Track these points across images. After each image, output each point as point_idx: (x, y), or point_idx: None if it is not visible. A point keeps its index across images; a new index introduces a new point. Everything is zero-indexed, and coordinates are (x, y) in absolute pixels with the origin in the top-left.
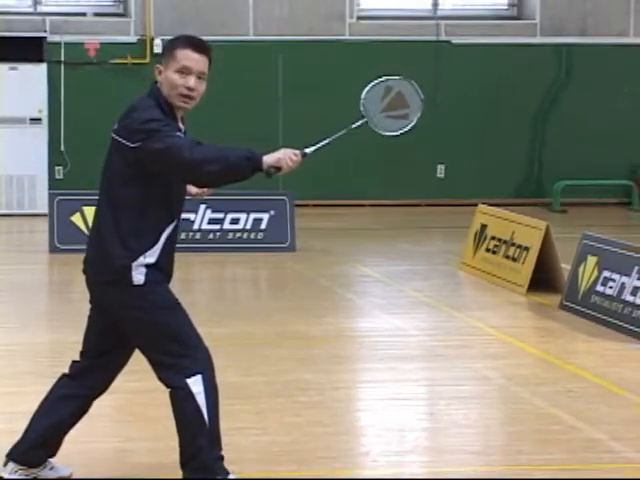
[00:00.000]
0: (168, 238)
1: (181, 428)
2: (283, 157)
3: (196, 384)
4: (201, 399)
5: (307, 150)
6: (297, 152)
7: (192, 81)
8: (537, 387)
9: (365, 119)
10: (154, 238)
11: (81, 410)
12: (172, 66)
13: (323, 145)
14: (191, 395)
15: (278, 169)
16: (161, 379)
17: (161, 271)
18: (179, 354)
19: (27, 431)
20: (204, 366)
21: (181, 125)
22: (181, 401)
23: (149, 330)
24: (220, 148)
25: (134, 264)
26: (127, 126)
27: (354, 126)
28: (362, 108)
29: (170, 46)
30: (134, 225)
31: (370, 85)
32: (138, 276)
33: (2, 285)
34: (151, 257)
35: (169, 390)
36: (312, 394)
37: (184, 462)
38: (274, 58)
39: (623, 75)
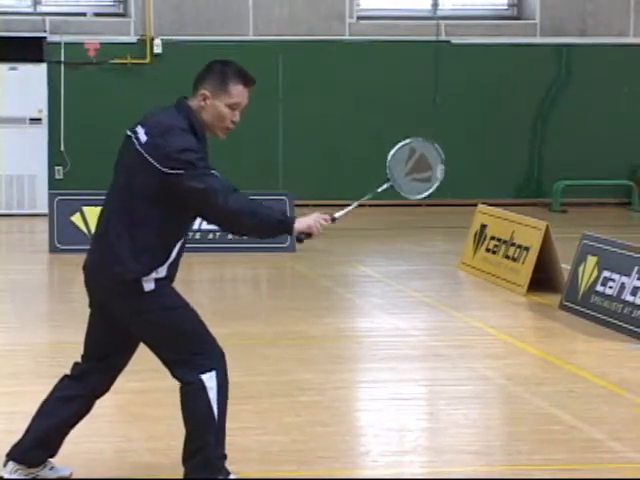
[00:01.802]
0: (177, 253)
1: (190, 422)
2: (314, 224)
3: (210, 380)
4: (213, 395)
5: (336, 215)
6: (327, 217)
7: (238, 115)
8: (537, 387)
9: (390, 182)
10: (167, 255)
11: (83, 411)
12: (224, 99)
13: (351, 209)
14: (204, 390)
15: (309, 235)
16: (176, 376)
17: (169, 279)
18: (193, 351)
19: (28, 431)
20: (218, 363)
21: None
22: (194, 395)
23: (161, 331)
24: (255, 203)
25: (145, 278)
26: (160, 149)
27: (379, 190)
28: (387, 171)
29: (222, 76)
30: (150, 242)
31: (396, 148)
32: (148, 284)
33: (2, 285)
34: (162, 272)
35: (181, 386)
36: (312, 394)
37: (188, 456)
38: (274, 58)
39: (623, 75)
